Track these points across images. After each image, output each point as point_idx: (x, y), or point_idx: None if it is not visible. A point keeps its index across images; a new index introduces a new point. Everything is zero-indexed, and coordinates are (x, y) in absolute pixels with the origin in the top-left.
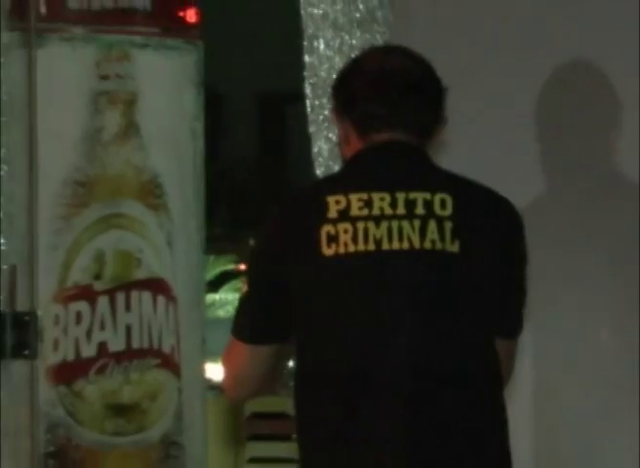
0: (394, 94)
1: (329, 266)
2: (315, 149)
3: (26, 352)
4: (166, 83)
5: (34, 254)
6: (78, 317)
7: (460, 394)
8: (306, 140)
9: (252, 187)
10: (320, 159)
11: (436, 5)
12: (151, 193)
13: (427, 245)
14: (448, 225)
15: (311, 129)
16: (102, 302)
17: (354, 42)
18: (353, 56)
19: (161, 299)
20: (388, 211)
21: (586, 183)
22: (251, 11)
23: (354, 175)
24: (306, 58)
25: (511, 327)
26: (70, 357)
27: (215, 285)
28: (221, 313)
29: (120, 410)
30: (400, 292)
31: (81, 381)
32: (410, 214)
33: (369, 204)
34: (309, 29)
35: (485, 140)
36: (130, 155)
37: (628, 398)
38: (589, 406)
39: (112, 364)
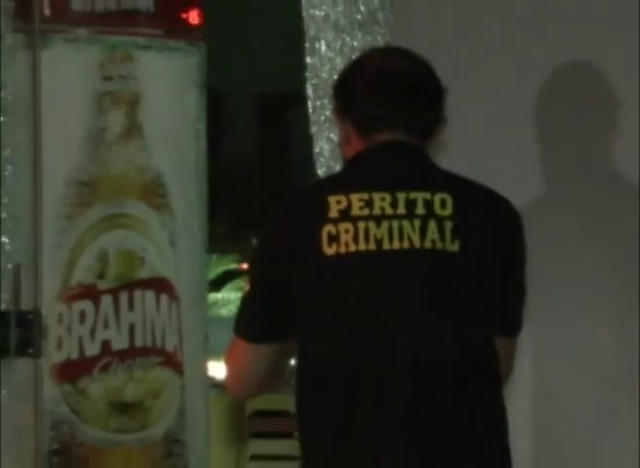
0: (394, 95)
1: (330, 266)
2: (317, 149)
3: (31, 350)
4: (169, 84)
5: (38, 254)
6: (82, 316)
7: (460, 394)
8: (308, 141)
9: (254, 187)
10: (322, 159)
11: (436, 6)
12: (154, 193)
13: (428, 244)
14: (448, 225)
15: (313, 129)
16: (106, 301)
17: (355, 43)
18: (354, 57)
19: (164, 298)
20: (389, 210)
21: (586, 183)
22: (253, 12)
23: (355, 175)
24: (308, 60)
25: (511, 326)
26: (74, 355)
27: (217, 284)
28: (224, 312)
29: (123, 408)
30: (400, 291)
31: (85, 379)
32: (410, 214)
33: (370, 204)
34: (311, 31)
35: (485, 140)
36: (133, 155)
37: (628, 397)
38: (589, 405)
39: (116, 362)
